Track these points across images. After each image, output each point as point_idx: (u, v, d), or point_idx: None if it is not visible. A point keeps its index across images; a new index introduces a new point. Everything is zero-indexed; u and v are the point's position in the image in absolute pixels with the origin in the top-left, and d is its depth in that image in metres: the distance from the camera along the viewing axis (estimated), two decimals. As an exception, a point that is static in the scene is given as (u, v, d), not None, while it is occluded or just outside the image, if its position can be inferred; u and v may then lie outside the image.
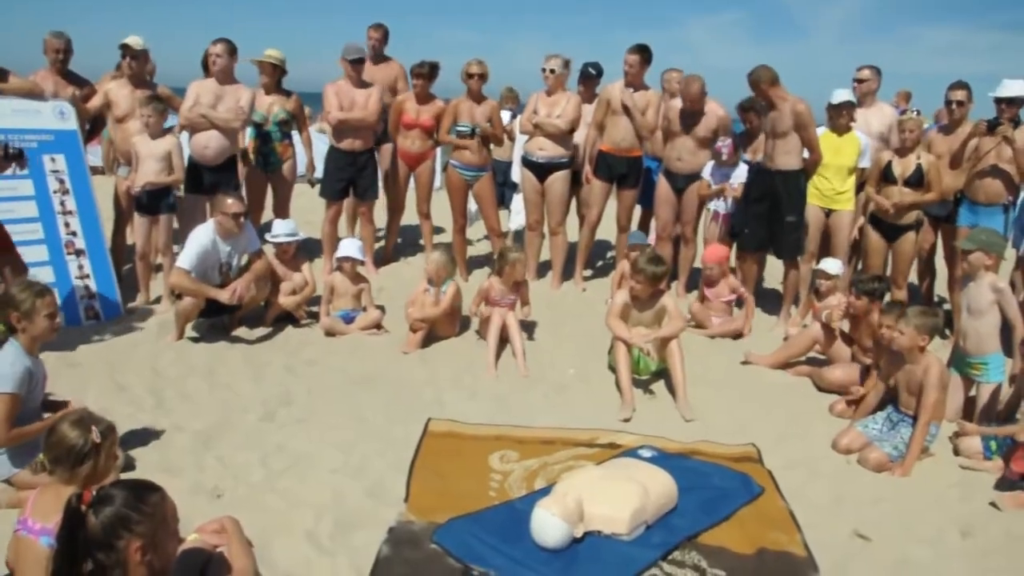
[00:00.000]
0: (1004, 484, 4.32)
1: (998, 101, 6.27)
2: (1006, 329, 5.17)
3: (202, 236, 5.79)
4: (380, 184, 7.87)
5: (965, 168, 6.46)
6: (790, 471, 4.39)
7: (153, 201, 6.36)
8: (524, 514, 3.59)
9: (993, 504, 4.15)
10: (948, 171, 6.49)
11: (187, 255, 5.70)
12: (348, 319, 6.26)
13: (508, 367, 5.71)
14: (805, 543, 3.66)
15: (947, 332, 6.38)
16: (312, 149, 7.74)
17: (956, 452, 4.75)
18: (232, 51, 6.78)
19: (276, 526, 3.54)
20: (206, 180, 6.71)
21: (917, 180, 6.28)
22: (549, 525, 3.45)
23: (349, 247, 6.36)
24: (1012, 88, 6.24)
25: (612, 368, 5.48)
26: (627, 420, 4.98)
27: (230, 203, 5.81)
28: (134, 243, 6.63)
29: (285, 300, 6.23)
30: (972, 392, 5.22)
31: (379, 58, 7.93)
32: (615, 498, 3.64)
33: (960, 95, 6.58)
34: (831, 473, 4.46)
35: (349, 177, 7.46)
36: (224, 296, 5.71)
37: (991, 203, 6.34)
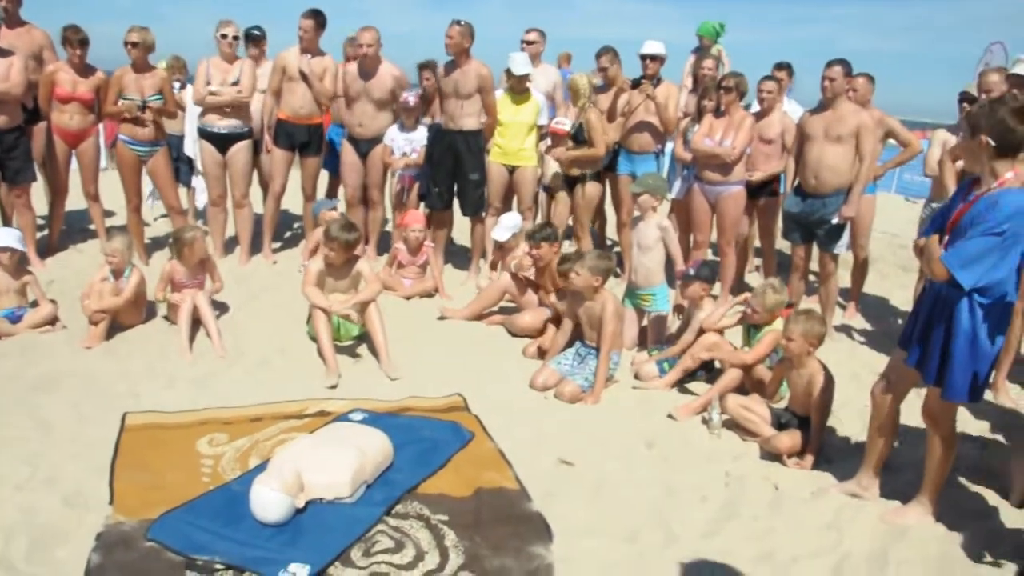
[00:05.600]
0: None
1: (642, 57, 7.02)
2: (670, 264, 5.80)
3: None
4: (37, 166, 7.10)
5: (620, 122, 7.12)
6: (495, 413, 4.65)
7: None
8: (242, 495, 3.51)
9: (670, 416, 4.71)
10: (609, 125, 7.10)
11: None
12: (15, 318, 5.63)
13: (204, 349, 5.48)
14: (517, 477, 3.92)
15: (618, 271, 7.02)
16: None
17: (636, 376, 5.31)
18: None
19: (-45, 563, 3.15)
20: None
21: (582, 138, 6.80)
22: (270, 500, 3.40)
23: (4, 236, 5.72)
24: (651, 47, 7.03)
25: (312, 337, 5.45)
26: (334, 387, 4.99)
27: None
28: None
29: (-68, 305, 5.50)
30: (644, 322, 5.83)
31: (15, 22, 6.91)
32: (333, 464, 3.66)
33: (605, 60, 7.24)
34: (532, 410, 4.79)
35: (-5, 160, 6.64)
36: None
37: (644, 152, 7.09)
